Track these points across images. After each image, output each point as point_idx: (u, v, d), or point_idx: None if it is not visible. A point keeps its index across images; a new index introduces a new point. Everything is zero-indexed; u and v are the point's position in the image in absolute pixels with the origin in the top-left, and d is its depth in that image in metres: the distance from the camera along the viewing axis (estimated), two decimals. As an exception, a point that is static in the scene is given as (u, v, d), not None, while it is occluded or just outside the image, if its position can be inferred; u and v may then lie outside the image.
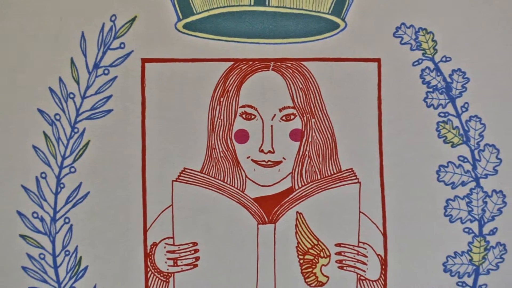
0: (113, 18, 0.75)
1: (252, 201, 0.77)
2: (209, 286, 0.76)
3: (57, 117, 0.75)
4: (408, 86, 0.77)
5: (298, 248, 0.77)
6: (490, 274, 0.77)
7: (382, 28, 0.77)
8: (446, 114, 0.77)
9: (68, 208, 0.75)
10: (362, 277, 0.77)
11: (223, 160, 0.77)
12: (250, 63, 0.78)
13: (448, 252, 0.77)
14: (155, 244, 0.76)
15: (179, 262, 0.76)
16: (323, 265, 0.77)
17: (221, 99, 0.77)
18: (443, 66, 0.77)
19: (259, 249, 0.75)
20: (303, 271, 0.76)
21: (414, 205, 0.76)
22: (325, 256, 0.77)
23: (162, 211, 0.76)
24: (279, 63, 0.78)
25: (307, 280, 0.76)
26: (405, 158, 0.77)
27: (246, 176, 0.77)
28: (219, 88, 0.77)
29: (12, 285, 0.74)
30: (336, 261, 0.76)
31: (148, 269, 0.75)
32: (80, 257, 0.75)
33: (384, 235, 0.77)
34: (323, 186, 0.77)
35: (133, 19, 0.76)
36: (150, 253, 0.75)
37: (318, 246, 0.77)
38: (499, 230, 0.76)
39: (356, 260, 0.77)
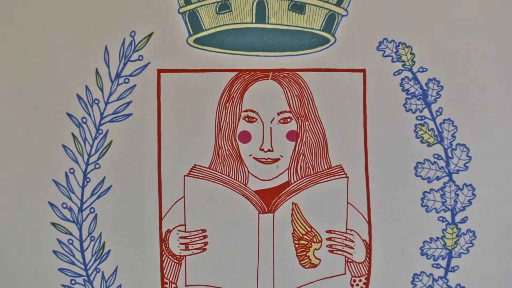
0: (132, 34, 0.79)
1: (254, 193, 0.80)
2: (216, 267, 0.80)
3: (84, 120, 0.79)
4: (390, 93, 0.81)
5: (293, 234, 0.80)
6: (461, 257, 0.81)
7: (366, 43, 0.81)
8: (423, 118, 0.81)
9: (93, 200, 0.79)
10: (349, 260, 0.80)
11: (228, 158, 0.80)
12: (252, 73, 0.81)
13: (425, 238, 0.81)
14: (169, 231, 0.79)
15: (190, 247, 0.80)
16: (315, 249, 0.80)
17: (227, 105, 0.81)
18: (420, 75, 0.81)
19: (259, 236, 0.79)
20: (298, 254, 0.80)
21: (395, 197, 0.80)
22: (318, 241, 0.80)
23: (175, 202, 0.80)
24: (277, 73, 0.81)
25: (301, 262, 0.80)
26: (387, 156, 0.81)
27: (248, 172, 0.80)
28: (225, 95, 0.81)
29: (44, 267, 0.78)
30: (327, 246, 0.80)
31: (163, 253, 0.79)
32: (104, 242, 0.79)
33: (369, 223, 0.81)
34: (316, 180, 0.81)
35: (150, 35, 0.80)
36: (165, 239, 0.79)
37: (311, 232, 0.80)
38: (469, 218, 0.81)
39: (344, 245, 0.80)
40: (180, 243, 0.80)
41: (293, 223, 0.80)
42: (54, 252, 0.78)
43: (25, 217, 0.77)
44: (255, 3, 0.79)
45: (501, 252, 0.81)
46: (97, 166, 0.79)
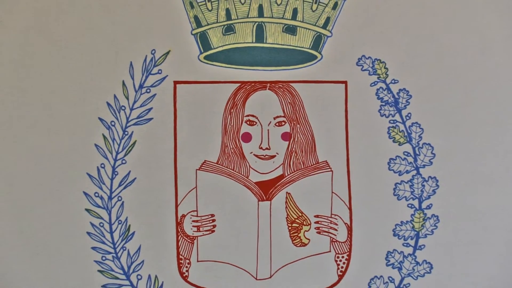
0: (153, 52, 0.82)
1: (254, 184, 0.83)
2: (222, 246, 0.83)
3: (113, 123, 0.82)
4: (367, 101, 0.84)
5: (287, 218, 0.83)
6: (427, 237, 0.84)
7: (348, 59, 0.84)
8: (395, 122, 0.84)
9: (121, 190, 0.82)
10: (333, 240, 0.84)
11: (233, 155, 0.83)
12: (252, 84, 0.83)
13: (396, 221, 0.84)
14: (183, 216, 0.83)
15: (201, 229, 0.83)
16: (305, 231, 0.83)
17: (231, 110, 0.83)
18: (392, 86, 0.84)
19: (259, 220, 0.83)
20: (291, 235, 0.83)
21: (371, 187, 0.84)
22: (307, 224, 0.83)
23: (189, 192, 0.83)
24: (273, 84, 0.84)
25: (294, 242, 0.83)
26: (365, 153, 0.84)
27: (249, 166, 0.83)
28: (230, 103, 0.83)
29: (79, 246, 0.82)
30: (315, 228, 0.84)
31: (179, 234, 0.83)
32: (129, 225, 0.82)
33: (350, 209, 0.84)
34: (306, 174, 0.84)
35: (168, 53, 0.83)
36: (180, 222, 0.82)
37: (302, 217, 0.84)
38: (433, 205, 0.84)
39: (329, 227, 0.84)
40: (193, 226, 0.83)
41: (286, 209, 0.83)
42: (88, 233, 0.82)
43: (64, 204, 0.81)
44: (255, 26, 0.82)
45: (460, 232, 0.84)
46: (123, 161, 0.82)
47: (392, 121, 0.85)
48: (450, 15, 0.85)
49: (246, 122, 0.84)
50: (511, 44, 0.85)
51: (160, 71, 0.83)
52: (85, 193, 0.82)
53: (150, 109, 0.83)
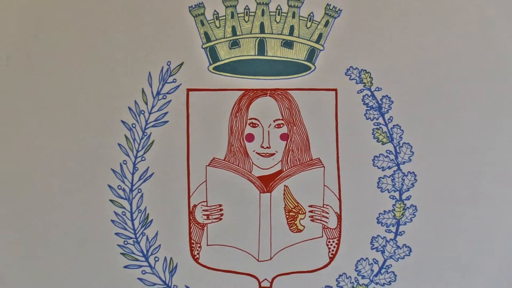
0: (168, 63, 0.86)
1: (256, 178, 0.86)
2: (229, 232, 0.86)
3: (134, 125, 0.86)
4: (354, 106, 0.87)
5: (285, 208, 0.86)
6: (406, 225, 0.87)
7: (338, 69, 0.87)
8: (378, 124, 0.87)
9: (140, 183, 0.86)
10: (325, 226, 0.86)
11: (238, 153, 0.86)
12: (255, 91, 0.86)
13: (380, 210, 0.87)
14: (195, 206, 0.85)
15: (210, 217, 0.85)
16: (301, 219, 0.86)
17: (237, 114, 0.86)
18: (377, 93, 0.87)
19: (260, 209, 0.85)
20: (288, 222, 0.86)
21: (358, 181, 0.87)
22: (302, 213, 0.86)
23: (200, 185, 0.86)
24: (273, 92, 0.86)
25: (291, 228, 0.86)
26: (352, 151, 0.87)
27: (252, 163, 0.86)
28: (235, 107, 0.86)
29: (104, 232, 0.86)
30: (309, 216, 0.86)
31: (191, 221, 0.86)
32: (148, 214, 0.86)
33: (339, 200, 0.87)
34: (301, 169, 0.86)
35: (181, 64, 0.86)
36: (192, 211, 0.85)
37: (298, 207, 0.86)
38: (412, 197, 0.87)
39: (322, 216, 0.86)
40: (203, 214, 0.85)
41: (284, 200, 0.86)
42: (112, 221, 0.85)
43: (91, 196, 0.85)
44: (257, 41, 0.86)
45: (436, 220, 0.87)
46: (143, 159, 0.86)
47: (376, 124, 0.87)
48: (425, 32, 0.88)
49: (249, 124, 0.86)
50: (481, 55, 0.88)
51: (174, 80, 0.87)
52: (110, 186, 0.86)
53: (166, 113, 0.87)
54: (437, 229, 0.87)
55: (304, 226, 0.87)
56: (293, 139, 0.87)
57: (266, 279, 0.86)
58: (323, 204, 0.87)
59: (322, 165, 0.87)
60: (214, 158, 0.87)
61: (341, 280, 0.87)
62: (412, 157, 0.88)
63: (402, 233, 0.88)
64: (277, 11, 0.87)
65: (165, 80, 0.87)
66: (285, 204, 0.86)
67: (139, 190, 0.86)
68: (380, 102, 0.88)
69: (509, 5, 0.89)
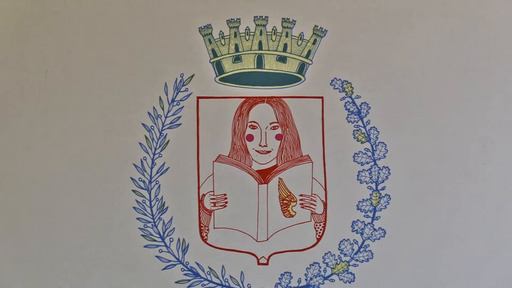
0: (181, 75, 0.94)
1: (255, 171, 0.93)
2: (232, 217, 0.93)
3: (152, 127, 0.94)
4: (338, 111, 0.94)
5: (279, 197, 0.93)
6: (382, 211, 0.94)
7: (324, 80, 0.94)
8: (358, 126, 0.94)
9: (158, 176, 0.93)
10: (313, 212, 0.93)
11: (240, 150, 0.93)
12: (254, 99, 0.94)
13: (359, 199, 0.94)
14: (204, 195, 0.93)
15: (216, 204, 0.93)
16: (293, 206, 0.93)
17: (239, 118, 0.93)
18: (357, 100, 0.94)
19: (259, 198, 0.93)
20: (282, 209, 0.93)
21: (341, 175, 0.94)
22: (294, 201, 0.93)
23: (208, 177, 0.93)
24: (269, 99, 0.94)
25: (284, 214, 0.94)
26: (336, 149, 0.94)
27: (252, 159, 0.93)
28: (238, 112, 0.93)
29: (127, 217, 0.93)
30: (299, 204, 0.94)
31: (200, 208, 0.93)
32: (164, 202, 0.93)
33: (325, 190, 0.94)
34: (293, 164, 0.93)
35: (192, 76, 0.94)
36: (201, 200, 0.93)
37: (290, 196, 0.94)
38: (386, 187, 0.94)
39: (310, 203, 0.94)
40: (211, 202, 0.93)
41: (279, 190, 0.93)
42: (134, 208, 0.93)
43: (116, 187, 0.93)
44: (256, 57, 0.93)
45: (407, 207, 0.94)
46: (160, 155, 0.94)
47: (356, 126, 0.95)
48: (396, 48, 0.95)
49: (249, 126, 0.94)
50: (447, 64, 0.94)
51: (187, 89, 0.95)
52: (132, 178, 0.94)
53: (179, 117, 0.95)
54: (408, 214, 0.94)
55: (295, 212, 0.95)
56: (286, 139, 0.94)
57: (263, 256, 0.94)
58: (312, 194, 0.94)
59: (310, 161, 0.94)
60: (220, 155, 0.94)
61: (326, 257, 0.95)
62: (386, 154, 0.95)
63: (378, 218, 0.95)
64: (273, 31, 0.95)
65: (179, 89, 0.95)
66: (280, 194, 0.94)
67: (157, 182, 0.94)
68: (359, 107, 0.94)
69: (471, 14, 0.94)
